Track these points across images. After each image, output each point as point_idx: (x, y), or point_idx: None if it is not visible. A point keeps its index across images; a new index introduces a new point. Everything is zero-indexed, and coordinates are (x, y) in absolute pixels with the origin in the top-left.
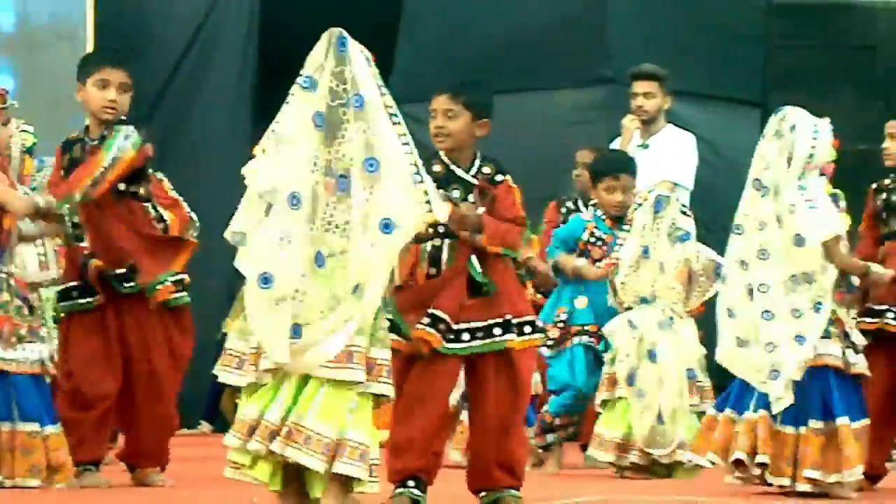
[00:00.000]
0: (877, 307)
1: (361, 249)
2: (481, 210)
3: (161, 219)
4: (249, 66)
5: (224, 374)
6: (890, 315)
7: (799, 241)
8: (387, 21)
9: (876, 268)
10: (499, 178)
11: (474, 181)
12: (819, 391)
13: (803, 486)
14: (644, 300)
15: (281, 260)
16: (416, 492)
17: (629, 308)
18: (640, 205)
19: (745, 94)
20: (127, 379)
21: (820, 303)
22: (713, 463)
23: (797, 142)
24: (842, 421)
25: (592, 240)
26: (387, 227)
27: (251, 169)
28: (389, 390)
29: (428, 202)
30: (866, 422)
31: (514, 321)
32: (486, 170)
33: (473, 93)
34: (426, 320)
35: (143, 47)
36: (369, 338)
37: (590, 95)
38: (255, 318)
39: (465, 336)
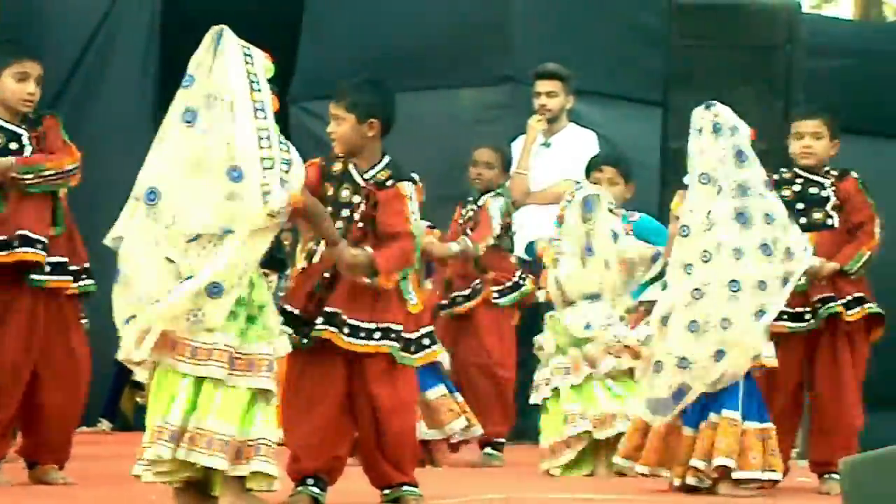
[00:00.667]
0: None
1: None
2: (369, 250)
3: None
4: (151, 63)
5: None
6: (786, 317)
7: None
8: (290, 19)
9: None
10: (389, 183)
11: (362, 183)
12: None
13: (691, 480)
14: (590, 296)
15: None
16: (315, 490)
17: (570, 303)
18: (568, 202)
19: (646, 94)
20: (33, 371)
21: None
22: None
23: (745, 140)
24: (727, 413)
25: None
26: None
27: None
28: (269, 384)
29: (266, 193)
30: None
31: (396, 331)
32: (383, 175)
33: (356, 95)
34: (320, 319)
35: (42, 43)
36: (240, 335)
37: (492, 94)
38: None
39: (362, 334)
